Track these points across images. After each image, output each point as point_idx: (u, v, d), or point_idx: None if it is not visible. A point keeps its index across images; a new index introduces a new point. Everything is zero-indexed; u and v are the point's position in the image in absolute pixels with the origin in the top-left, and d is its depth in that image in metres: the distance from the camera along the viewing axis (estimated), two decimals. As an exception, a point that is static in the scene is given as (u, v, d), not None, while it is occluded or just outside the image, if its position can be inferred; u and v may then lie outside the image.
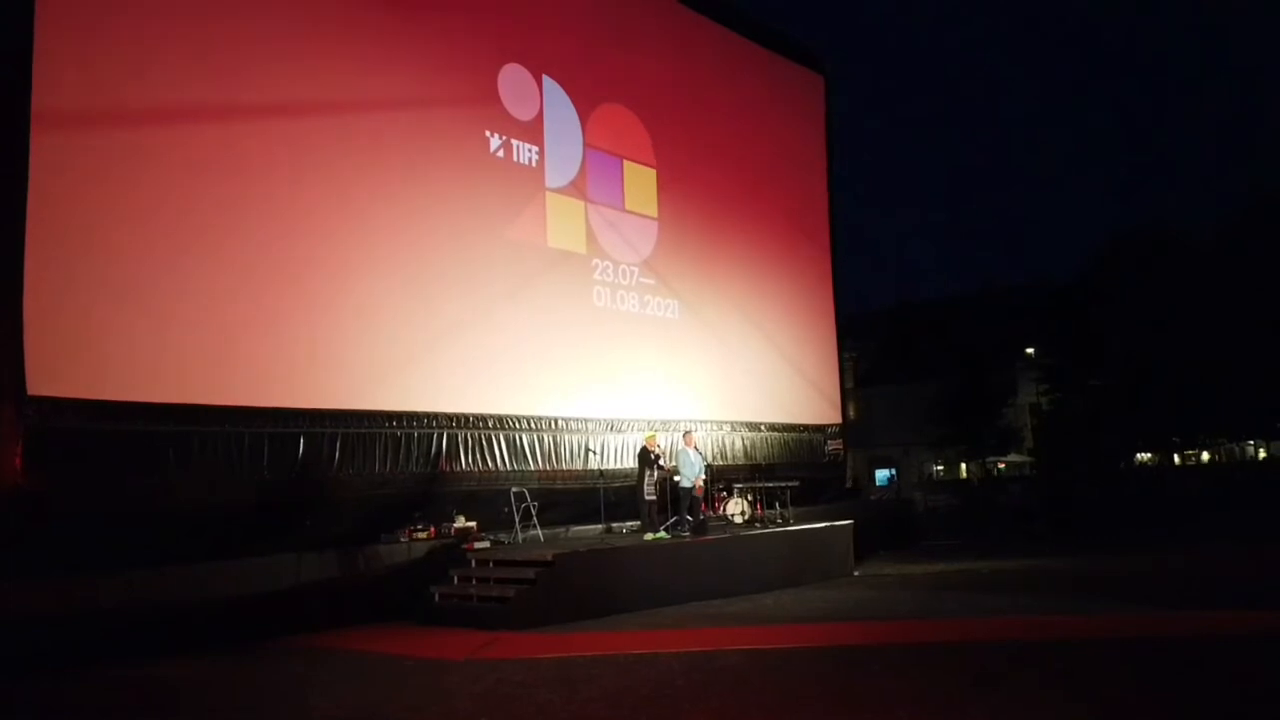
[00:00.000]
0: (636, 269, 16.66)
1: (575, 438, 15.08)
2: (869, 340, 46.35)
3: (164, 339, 10.38)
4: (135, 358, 10.14)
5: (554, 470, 14.61)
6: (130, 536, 9.52)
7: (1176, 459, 44.75)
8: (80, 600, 8.76)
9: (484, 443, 13.71)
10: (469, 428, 13.51)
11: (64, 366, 9.58)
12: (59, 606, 8.61)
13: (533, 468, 14.27)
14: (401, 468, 12.53)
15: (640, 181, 17.04)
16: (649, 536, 12.51)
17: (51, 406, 9.40)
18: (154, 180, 10.51)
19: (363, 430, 12.17)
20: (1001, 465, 47.39)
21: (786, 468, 18.44)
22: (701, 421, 17.34)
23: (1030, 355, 42.53)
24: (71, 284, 9.73)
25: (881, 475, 44.28)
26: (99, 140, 10.13)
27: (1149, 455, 44.63)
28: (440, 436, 13.09)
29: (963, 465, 48.30)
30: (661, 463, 13.30)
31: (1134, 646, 7.96)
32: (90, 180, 10.01)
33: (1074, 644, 8.19)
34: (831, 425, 21.28)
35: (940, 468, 49.60)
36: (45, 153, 9.66)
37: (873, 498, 26.56)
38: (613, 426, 15.75)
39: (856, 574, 14.17)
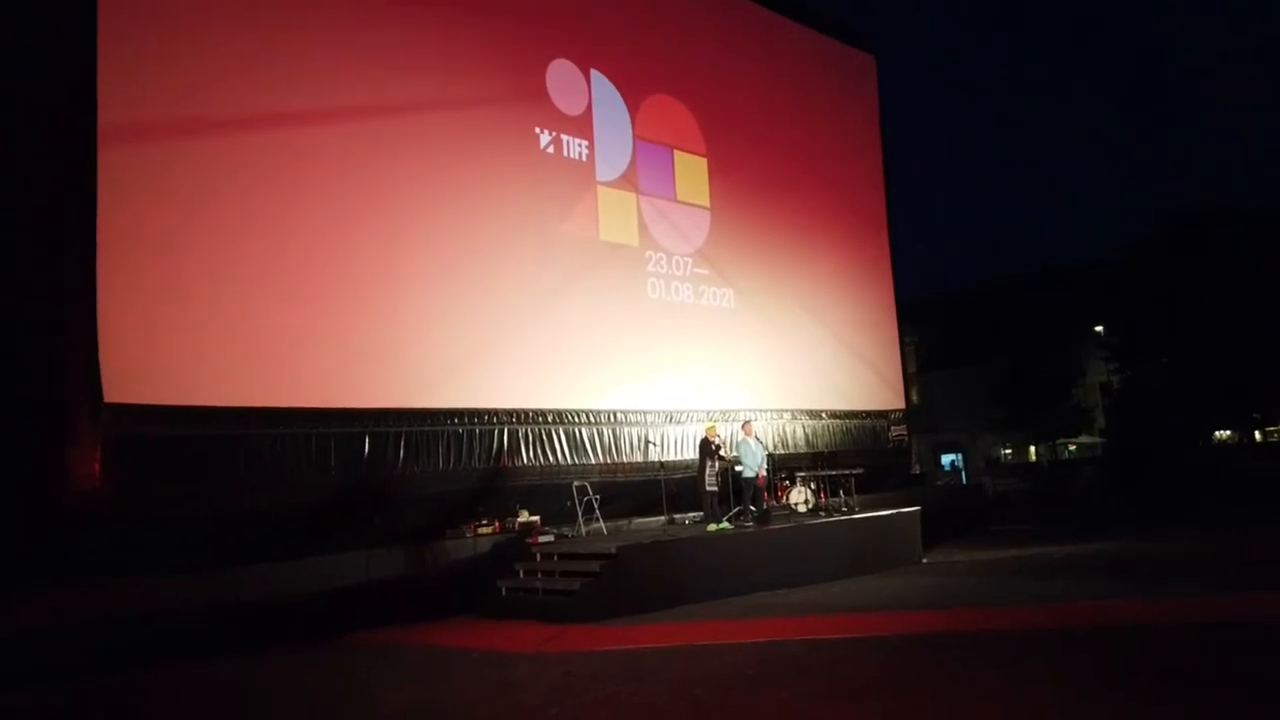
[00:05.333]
0: (690, 259, 16.57)
1: (634, 430, 15.08)
2: (932, 324, 45.52)
3: (230, 343, 10.64)
4: (204, 363, 10.40)
5: (614, 463, 14.63)
6: (203, 538, 9.77)
7: (1258, 436, 43.11)
8: (155, 600, 9.01)
9: (544, 437, 13.79)
10: (529, 423, 13.60)
11: (137, 374, 9.86)
12: (135, 606, 8.87)
13: (593, 461, 14.31)
14: (464, 464, 12.67)
15: (691, 171, 16.95)
16: (712, 527, 12.43)
17: (126, 413, 9.70)
18: (217, 188, 10.77)
19: (425, 428, 12.33)
20: (1072, 447, 46.20)
21: (850, 455, 18.17)
22: (761, 410, 17.21)
23: (1099, 333, 41.36)
24: (141, 293, 10.01)
25: (948, 460, 43.52)
26: (162, 152, 10.39)
27: (1228, 433, 43.08)
28: (501, 432, 13.20)
29: (1031, 448, 47.27)
30: (722, 453, 13.21)
31: (1213, 631, 7.65)
32: (155, 192, 10.28)
33: (1155, 629, 7.91)
34: (894, 411, 20.95)
35: (1008, 451, 48.58)
36: (112, 166, 9.96)
37: (939, 483, 26.06)
38: (671, 418, 15.71)
39: (925, 561, 13.91)
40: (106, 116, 9.97)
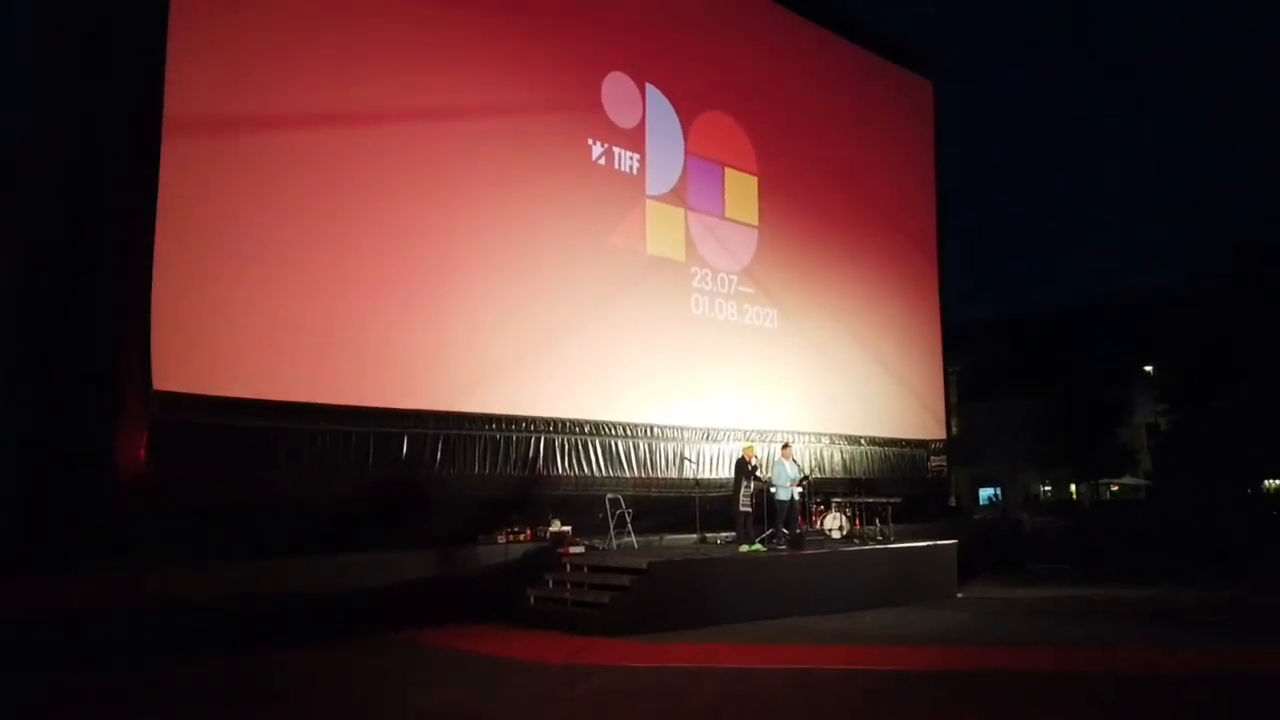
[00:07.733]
0: (735, 277, 16.50)
1: (671, 446, 15.01)
2: (974, 353, 44.82)
3: (278, 338, 10.77)
4: (251, 356, 10.53)
5: (649, 478, 14.56)
6: (239, 528, 9.88)
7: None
8: (188, 589, 9.10)
9: (580, 448, 13.77)
10: (566, 433, 13.59)
11: (186, 363, 10.01)
12: (168, 595, 8.97)
13: (628, 474, 14.26)
14: (500, 470, 12.69)
15: (741, 189, 16.90)
16: (744, 548, 12.32)
17: (174, 401, 9.84)
18: (272, 185, 10.93)
19: (463, 432, 12.37)
20: (1114, 488, 45.21)
21: (887, 483, 17.95)
22: (800, 433, 17.04)
23: (1149, 373, 40.40)
24: (195, 284, 10.18)
25: (986, 495, 42.80)
26: (224, 148, 10.58)
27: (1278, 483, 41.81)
28: (537, 440, 13.21)
29: (1072, 486, 46.29)
30: (759, 474, 13.10)
31: (1261, 683, 7.40)
32: (215, 186, 10.47)
33: (1195, 678, 7.67)
34: (935, 441, 20.62)
35: (1048, 488, 47.63)
36: (175, 159, 10.16)
37: (976, 517, 25.61)
38: (709, 435, 15.62)
39: (960, 596, 13.65)
40: (172, 110, 10.16)
